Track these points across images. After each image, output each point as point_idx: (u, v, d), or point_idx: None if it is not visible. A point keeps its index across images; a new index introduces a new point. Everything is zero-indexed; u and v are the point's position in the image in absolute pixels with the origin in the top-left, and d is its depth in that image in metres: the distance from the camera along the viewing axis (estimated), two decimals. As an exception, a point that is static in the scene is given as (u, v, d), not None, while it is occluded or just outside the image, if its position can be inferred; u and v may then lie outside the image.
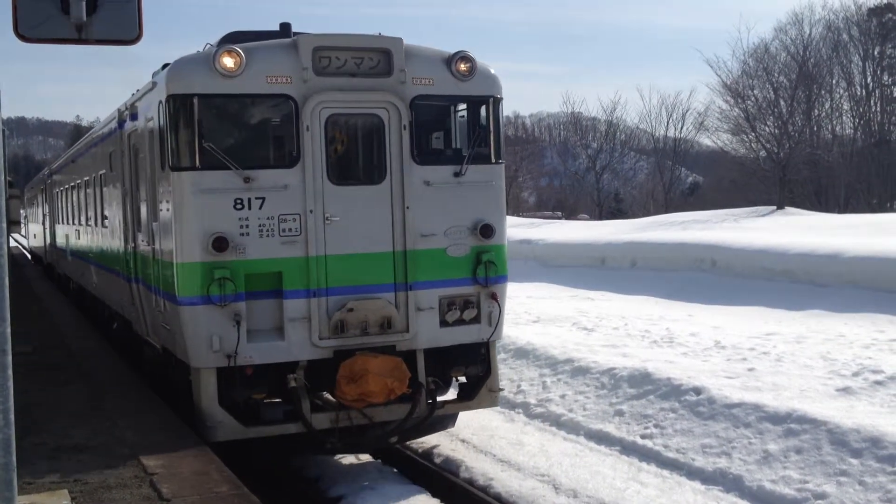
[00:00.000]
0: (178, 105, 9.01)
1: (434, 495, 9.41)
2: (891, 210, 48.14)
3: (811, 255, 20.71)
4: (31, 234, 41.44)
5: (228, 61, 8.85)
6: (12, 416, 5.60)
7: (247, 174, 8.96)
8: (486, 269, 9.88)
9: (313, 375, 9.36)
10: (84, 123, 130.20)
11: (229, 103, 9.30)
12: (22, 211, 46.34)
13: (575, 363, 13.46)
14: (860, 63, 58.48)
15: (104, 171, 14.05)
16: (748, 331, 15.85)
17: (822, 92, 56.71)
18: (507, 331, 13.14)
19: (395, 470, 10.37)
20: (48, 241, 28.15)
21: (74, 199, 18.90)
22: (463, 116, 10.24)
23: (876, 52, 58.66)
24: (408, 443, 10.84)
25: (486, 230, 9.89)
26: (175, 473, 7.68)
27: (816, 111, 56.12)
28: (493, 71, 10.16)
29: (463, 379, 10.52)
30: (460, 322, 9.89)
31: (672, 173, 69.47)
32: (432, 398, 9.87)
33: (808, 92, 53.62)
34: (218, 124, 9.25)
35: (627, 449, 10.58)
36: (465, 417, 11.10)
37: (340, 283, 9.37)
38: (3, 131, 5.89)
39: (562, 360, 13.78)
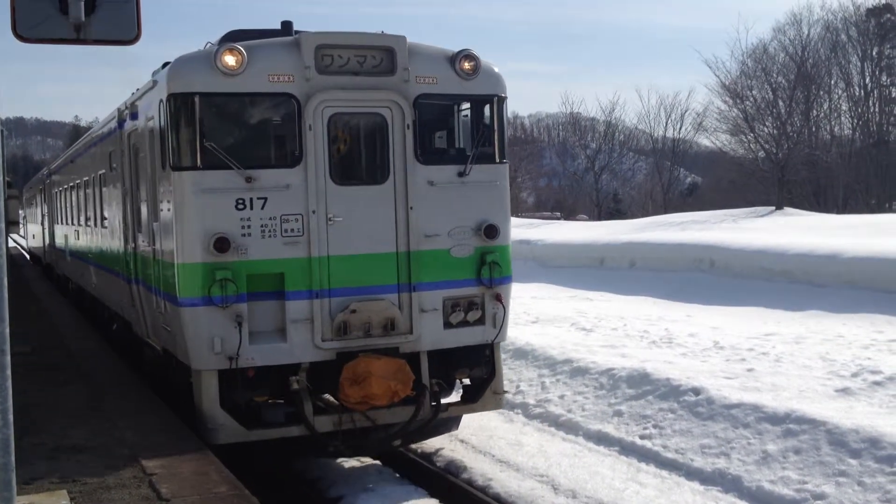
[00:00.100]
0: (179, 104, 8.95)
1: (433, 496, 9.40)
2: (889, 210, 48.21)
3: (810, 256, 20.73)
4: (30, 235, 41.39)
5: (230, 59, 8.79)
6: (11, 417, 5.60)
7: (249, 174, 8.89)
8: (490, 269, 9.81)
9: (316, 378, 9.29)
10: (83, 123, 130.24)
11: (231, 102, 9.23)
12: (21, 211, 46.32)
13: (574, 363, 13.46)
14: (858, 63, 58.54)
15: (104, 170, 14.01)
16: (747, 331, 15.85)
17: (821, 92, 56.74)
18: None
19: (394, 470, 10.36)
20: (47, 241, 28.11)
21: (74, 199, 18.86)
22: (466, 115, 10.16)
23: (874, 53, 58.71)
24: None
25: (491, 231, 9.82)
26: (174, 474, 7.67)
27: (815, 112, 56.15)
28: (496, 69, 10.10)
29: (467, 381, 10.42)
30: (464, 323, 9.81)
31: (671, 174, 69.51)
32: (436, 401, 9.81)
33: (806, 92, 53.64)
34: (219, 123, 9.20)
35: (626, 449, 10.57)
36: (464, 418, 11.08)
37: (343, 284, 9.29)
38: (2, 131, 5.87)
39: (560, 360, 13.79)
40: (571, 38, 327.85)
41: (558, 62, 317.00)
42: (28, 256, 48.08)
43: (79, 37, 5.74)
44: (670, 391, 11.42)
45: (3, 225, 5.54)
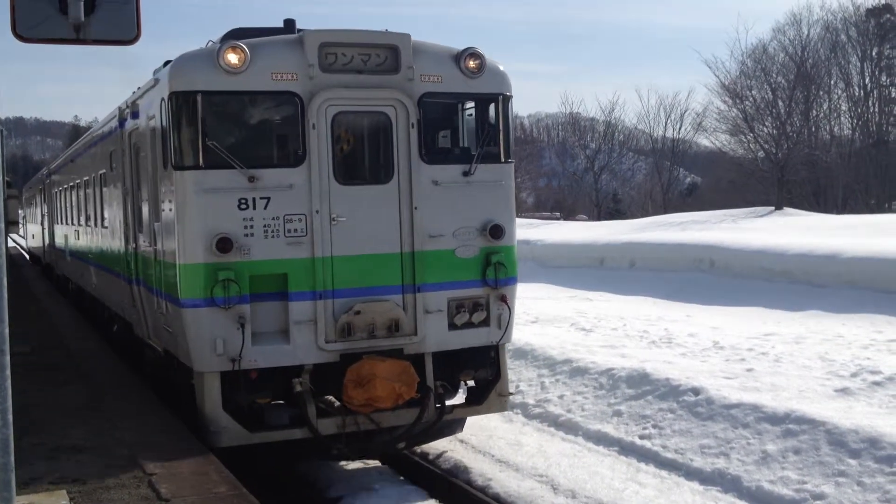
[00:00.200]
0: (181, 102, 8.85)
1: (432, 496, 9.40)
2: (889, 210, 48.26)
3: (809, 256, 20.74)
4: (30, 235, 41.35)
5: (233, 57, 8.69)
6: (10, 417, 5.61)
7: (251, 173, 8.80)
8: (495, 270, 9.72)
9: (319, 379, 9.20)
10: (83, 123, 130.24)
11: (233, 100, 9.12)
12: (20, 211, 46.30)
13: (573, 363, 13.46)
14: (858, 64, 58.58)
15: (104, 170, 13.95)
16: (747, 331, 15.86)
17: (821, 93, 56.73)
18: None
19: (394, 470, 10.35)
20: (47, 241, 28.09)
21: (74, 199, 18.82)
22: (471, 114, 10.07)
23: (874, 53, 58.74)
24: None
25: (496, 231, 9.74)
26: (174, 474, 7.66)
27: (814, 112, 56.15)
28: (501, 68, 10.01)
29: (471, 383, 10.34)
30: (469, 325, 9.72)
31: (670, 174, 69.51)
32: (441, 403, 9.72)
33: (806, 92, 53.63)
34: (222, 122, 9.11)
35: (626, 449, 10.58)
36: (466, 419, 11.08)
37: (347, 284, 9.20)
38: (2, 131, 5.87)
39: (560, 360, 13.79)
40: (571, 38, 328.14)
41: (558, 62, 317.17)
42: (27, 256, 48.06)
43: (78, 37, 5.73)
44: (670, 391, 11.43)
45: (3, 225, 5.54)
